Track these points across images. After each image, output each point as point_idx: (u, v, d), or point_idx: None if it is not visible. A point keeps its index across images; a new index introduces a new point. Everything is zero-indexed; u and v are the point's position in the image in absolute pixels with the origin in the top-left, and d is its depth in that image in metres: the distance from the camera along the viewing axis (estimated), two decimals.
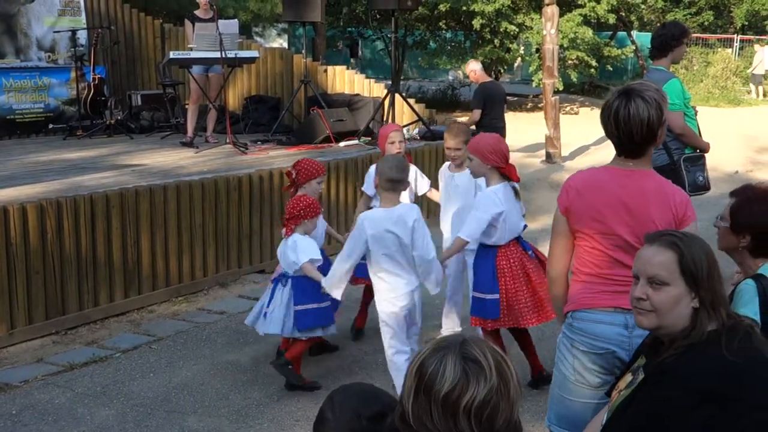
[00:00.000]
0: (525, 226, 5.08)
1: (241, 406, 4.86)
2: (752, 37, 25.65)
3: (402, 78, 21.45)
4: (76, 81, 10.61)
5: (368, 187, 5.71)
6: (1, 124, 10.32)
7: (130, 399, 4.95)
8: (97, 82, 10.49)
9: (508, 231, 4.85)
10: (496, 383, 1.57)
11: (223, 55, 8.86)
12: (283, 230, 5.10)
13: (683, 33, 5.97)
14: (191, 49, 9.21)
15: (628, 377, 2.50)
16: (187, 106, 10.13)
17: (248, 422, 4.65)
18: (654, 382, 2.32)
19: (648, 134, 2.97)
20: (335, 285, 4.64)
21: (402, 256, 4.49)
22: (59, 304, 6.00)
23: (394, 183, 4.48)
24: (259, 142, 9.66)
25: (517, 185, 4.94)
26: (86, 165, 7.99)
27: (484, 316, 4.85)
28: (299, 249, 4.89)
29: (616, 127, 3.00)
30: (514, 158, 12.11)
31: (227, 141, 9.08)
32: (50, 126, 10.82)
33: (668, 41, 5.92)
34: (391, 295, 4.57)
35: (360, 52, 22.57)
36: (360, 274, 5.06)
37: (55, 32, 10.88)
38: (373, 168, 5.36)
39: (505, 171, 4.83)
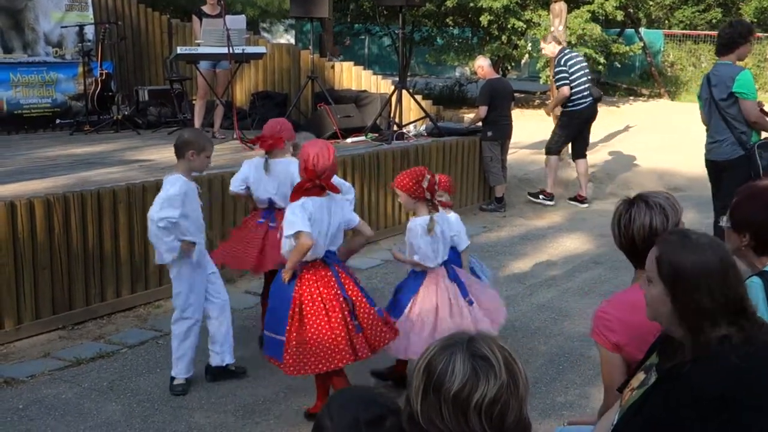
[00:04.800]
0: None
1: (247, 402, 4.86)
2: (761, 34, 25.53)
3: (409, 74, 21.40)
4: (84, 76, 10.62)
5: None
6: (9, 119, 10.34)
7: (137, 394, 4.96)
8: (104, 77, 10.52)
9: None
10: (506, 380, 1.56)
11: (231, 51, 8.85)
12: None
13: (750, 31, 6.32)
14: (198, 45, 9.21)
15: (641, 375, 2.48)
16: (194, 102, 10.14)
17: (254, 419, 4.65)
18: (666, 387, 2.30)
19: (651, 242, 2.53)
20: None
21: None
22: (66, 300, 6.00)
23: None
24: None
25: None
26: (93, 160, 7.99)
27: None
28: None
29: (619, 234, 2.92)
30: (522, 155, 12.13)
31: (234, 137, 9.07)
32: (57, 121, 10.85)
33: (735, 39, 6.32)
34: None
35: (348, 41, 22.40)
36: None
37: (62, 27, 10.90)
38: None
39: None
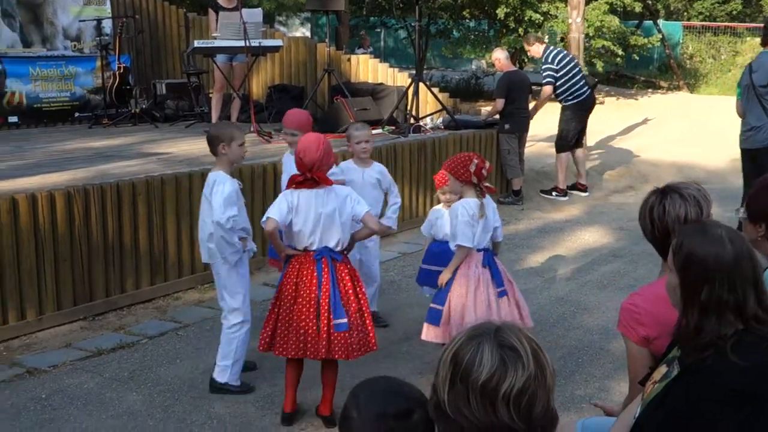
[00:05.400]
0: None
1: (267, 393, 4.88)
2: None
3: (425, 67, 21.35)
4: (102, 70, 10.67)
5: None
6: (29, 112, 10.42)
7: (157, 384, 4.99)
8: (122, 71, 10.56)
9: None
10: (534, 371, 1.56)
11: (247, 44, 8.87)
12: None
13: None
14: (215, 38, 9.23)
15: (663, 369, 2.47)
16: (211, 95, 10.16)
17: (274, 409, 4.67)
18: (688, 381, 2.29)
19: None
20: None
21: None
22: (87, 291, 6.05)
23: None
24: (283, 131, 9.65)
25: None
26: (112, 153, 8.03)
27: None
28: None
29: (651, 225, 2.83)
30: (539, 147, 12.09)
31: (251, 130, 9.09)
32: (76, 114, 10.92)
33: None
34: None
35: (367, 40, 22.43)
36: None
37: (80, 21, 10.95)
38: None
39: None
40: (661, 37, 20.11)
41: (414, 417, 1.78)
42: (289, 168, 5.40)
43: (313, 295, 4.28)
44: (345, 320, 4.28)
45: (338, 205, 4.35)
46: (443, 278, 4.92)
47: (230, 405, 4.72)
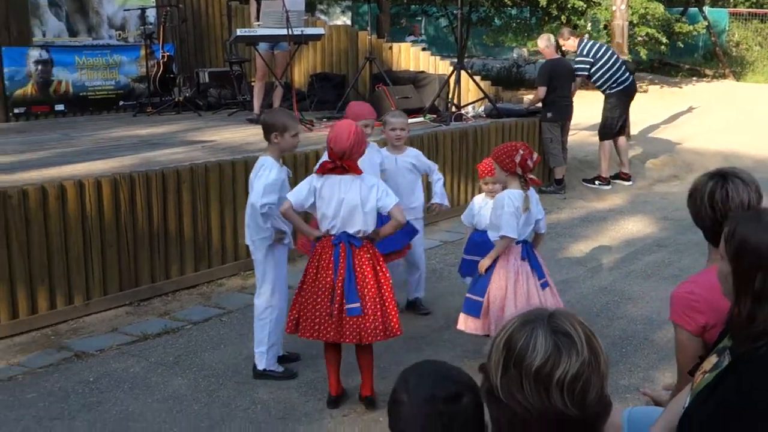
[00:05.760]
0: None
1: (310, 379, 4.92)
2: None
3: (465, 56, 21.25)
4: (146, 59, 10.79)
5: None
6: (75, 100, 10.58)
7: (202, 369, 5.05)
8: (165, 59, 10.67)
9: None
10: (588, 357, 1.54)
11: (290, 32, 8.89)
12: None
13: None
14: (258, 27, 9.26)
15: (713, 358, 2.43)
16: (253, 84, 10.21)
17: (317, 395, 4.70)
18: (740, 371, 2.25)
19: None
20: None
21: None
22: (132, 277, 6.14)
23: None
24: (324, 119, 9.69)
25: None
26: (156, 141, 8.12)
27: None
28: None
29: (712, 210, 2.72)
30: (582, 136, 11.97)
31: None
32: (121, 103, 11.06)
33: None
34: None
35: (417, 28, 22.38)
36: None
37: (125, 11, 11.08)
38: None
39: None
40: (706, 24, 19.76)
41: (463, 400, 1.79)
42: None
43: (329, 279, 4.36)
44: (357, 305, 4.32)
45: (363, 195, 4.37)
46: (483, 265, 4.91)
47: (273, 390, 4.77)
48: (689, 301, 2.77)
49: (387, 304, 4.42)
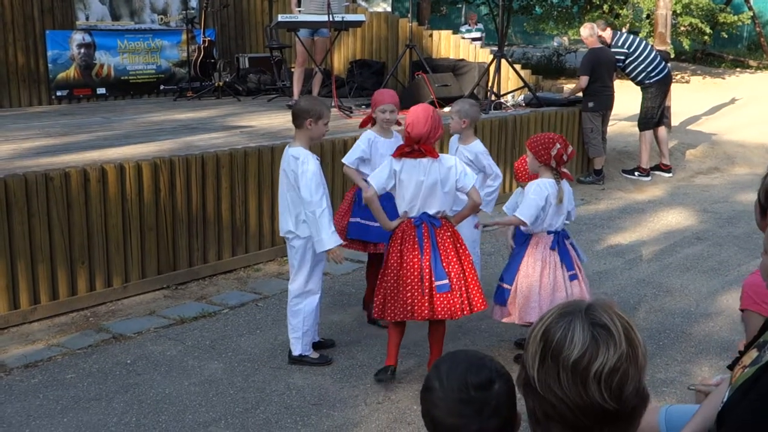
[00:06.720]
0: None
1: (345, 366, 4.93)
2: None
3: (506, 44, 21.08)
4: (187, 43, 10.86)
5: None
6: (116, 84, 10.69)
7: (237, 354, 5.09)
8: (206, 44, 10.73)
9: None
10: (626, 349, 1.53)
11: (331, 19, 8.89)
12: None
13: None
14: (298, 13, 9.28)
15: (754, 353, 2.39)
16: (293, 70, 10.23)
17: (351, 382, 4.72)
18: None
19: None
20: None
21: None
22: (170, 260, 6.20)
23: None
24: (363, 106, 9.68)
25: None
26: (196, 125, 8.18)
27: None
28: None
29: None
30: (621, 126, 11.84)
31: (332, 105, 9.12)
32: (161, 87, 11.16)
33: None
34: None
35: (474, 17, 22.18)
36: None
37: None
38: None
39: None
40: (751, 14, 19.40)
41: (495, 387, 1.79)
42: (372, 150, 5.30)
43: (416, 260, 4.45)
44: (446, 281, 4.43)
45: (441, 177, 4.46)
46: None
47: (308, 376, 4.79)
48: (763, 288, 2.74)
49: (469, 280, 4.55)
